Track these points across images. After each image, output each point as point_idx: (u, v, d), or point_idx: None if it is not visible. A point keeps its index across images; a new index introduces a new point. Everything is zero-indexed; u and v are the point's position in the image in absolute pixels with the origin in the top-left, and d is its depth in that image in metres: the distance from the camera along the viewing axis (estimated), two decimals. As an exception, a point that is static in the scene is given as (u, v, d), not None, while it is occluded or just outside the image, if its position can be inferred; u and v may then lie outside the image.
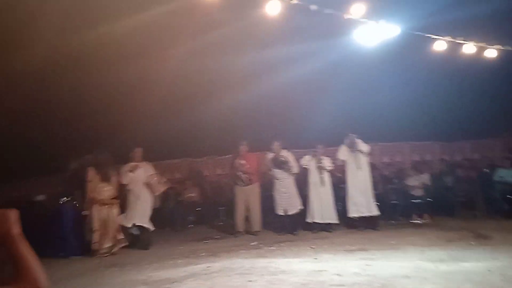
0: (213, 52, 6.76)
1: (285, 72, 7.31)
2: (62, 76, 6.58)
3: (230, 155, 8.26)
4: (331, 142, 8.21)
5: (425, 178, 9.14)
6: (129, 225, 7.06)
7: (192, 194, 9.62)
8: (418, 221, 8.29)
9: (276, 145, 7.86)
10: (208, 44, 6.49)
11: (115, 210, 6.95)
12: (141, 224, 7.09)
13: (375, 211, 7.76)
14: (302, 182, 8.11)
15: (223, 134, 8.88)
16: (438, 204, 8.92)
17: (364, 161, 7.89)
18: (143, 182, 7.19)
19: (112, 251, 6.77)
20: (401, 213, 8.84)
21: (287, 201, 7.75)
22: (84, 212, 6.92)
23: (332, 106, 8.20)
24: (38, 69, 6.16)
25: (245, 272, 4.83)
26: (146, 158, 7.39)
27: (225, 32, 6.28)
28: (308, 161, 7.89)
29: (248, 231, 7.79)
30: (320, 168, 7.78)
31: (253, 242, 6.99)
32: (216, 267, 5.21)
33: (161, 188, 7.47)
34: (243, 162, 7.78)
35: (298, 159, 7.99)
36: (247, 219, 7.93)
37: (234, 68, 7.10)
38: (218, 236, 7.81)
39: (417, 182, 8.98)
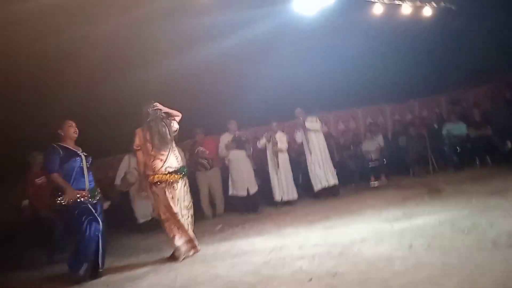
0: (141, 22, 6.12)
1: (217, 44, 6.80)
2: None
3: (189, 141, 8.13)
4: (282, 117, 8.18)
5: (379, 141, 9.37)
6: None
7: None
8: (376, 184, 8.53)
9: (233, 124, 7.84)
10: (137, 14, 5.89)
11: None
12: None
13: (335, 181, 7.92)
14: (260, 160, 8.10)
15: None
16: (394, 165, 9.22)
17: (318, 136, 7.97)
18: None
19: None
20: (359, 177, 9.07)
21: (248, 181, 7.76)
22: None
23: (275, 80, 8.01)
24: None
25: (208, 259, 4.78)
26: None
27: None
28: (263, 144, 7.92)
29: (214, 215, 7.85)
30: (276, 151, 7.80)
31: (217, 226, 6.95)
32: (178, 257, 5.10)
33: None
34: (202, 148, 7.76)
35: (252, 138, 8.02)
36: (211, 204, 7.94)
37: (162, 39, 6.47)
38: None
39: (372, 146, 9.20)
